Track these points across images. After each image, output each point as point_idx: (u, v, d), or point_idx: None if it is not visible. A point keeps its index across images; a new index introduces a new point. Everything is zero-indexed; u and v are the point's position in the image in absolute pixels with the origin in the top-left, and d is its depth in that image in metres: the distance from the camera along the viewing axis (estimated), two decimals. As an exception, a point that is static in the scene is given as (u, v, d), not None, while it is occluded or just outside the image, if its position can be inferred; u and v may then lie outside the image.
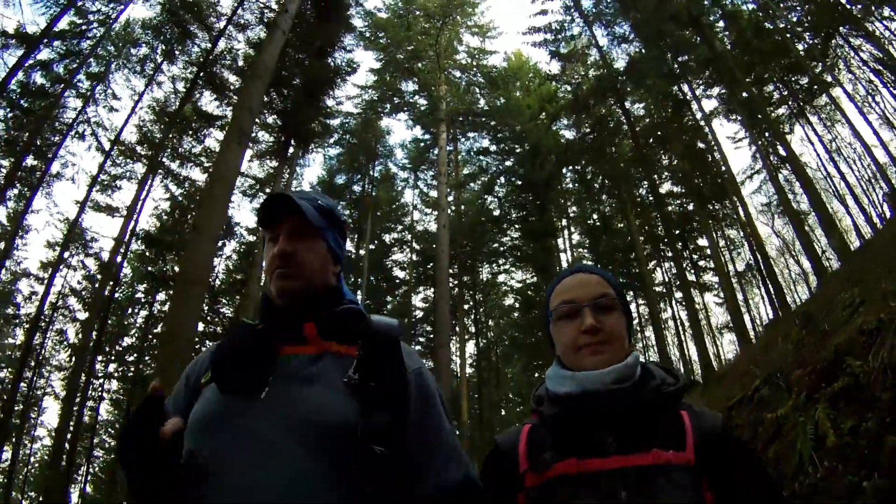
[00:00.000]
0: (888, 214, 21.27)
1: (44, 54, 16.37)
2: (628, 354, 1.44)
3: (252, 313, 1.50)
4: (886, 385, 4.16)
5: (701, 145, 21.54)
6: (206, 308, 20.10)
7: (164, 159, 19.55)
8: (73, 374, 18.27)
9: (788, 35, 19.28)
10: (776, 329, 14.28)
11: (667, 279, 27.90)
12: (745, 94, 19.88)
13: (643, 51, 19.19)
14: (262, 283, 15.58)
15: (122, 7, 17.40)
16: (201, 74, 16.38)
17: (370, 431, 1.23)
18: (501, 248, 28.83)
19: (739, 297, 25.40)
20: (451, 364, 21.00)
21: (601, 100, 20.66)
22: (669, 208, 25.38)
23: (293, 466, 1.16)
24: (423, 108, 24.48)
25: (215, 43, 16.00)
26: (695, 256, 27.26)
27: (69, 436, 16.97)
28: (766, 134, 22.41)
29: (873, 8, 17.99)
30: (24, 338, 20.42)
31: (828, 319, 7.20)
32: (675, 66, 18.78)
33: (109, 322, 20.73)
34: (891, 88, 20.25)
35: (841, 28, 19.45)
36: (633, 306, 13.42)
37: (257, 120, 17.10)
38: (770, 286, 20.35)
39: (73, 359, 21.18)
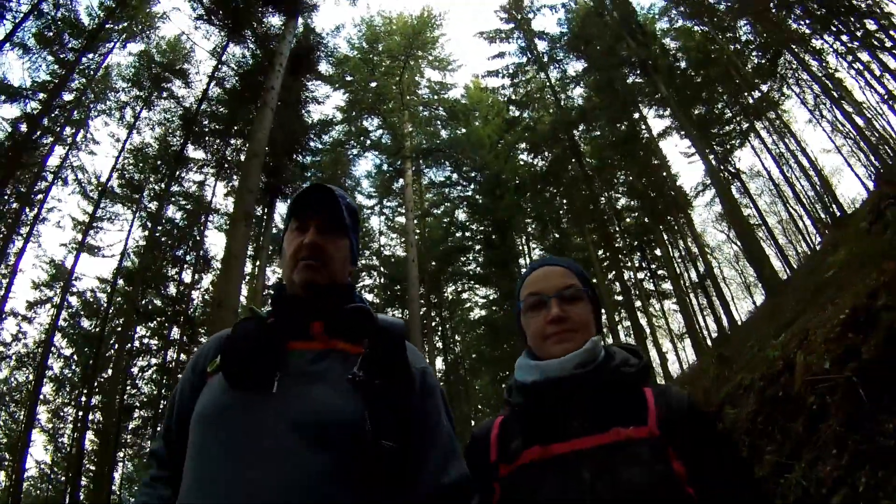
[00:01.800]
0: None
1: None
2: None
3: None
4: (742, 435, 4.95)
5: (655, 161, 22.79)
6: (186, 338, 21.18)
7: (144, 200, 20.60)
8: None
9: (736, 57, 20.85)
10: (719, 348, 15.56)
11: (625, 288, 29.21)
12: (696, 111, 21.51)
13: (594, 97, 20.69)
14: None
15: (102, 59, 18.45)
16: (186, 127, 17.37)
17: (378, 428, 1.25)
18: (466, 269, 29.72)
19: (704, 301, 26.88)
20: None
21: (556, 141, 21.99)
22: (627, 220, 27.03)
23: (299, 463, 1.18)
24: (388, 145, 25.56)
25: (200, 104, 17.07)
26: (653, 266, 28.69)
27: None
28: (717, 149, 24.12)
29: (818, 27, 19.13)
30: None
31: (737, 361, 8.41)
32: (626, 101, 20.12)
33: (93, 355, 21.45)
34: (835, 103, 21.30)
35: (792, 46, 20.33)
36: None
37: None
38: (717, 301, 22.12)
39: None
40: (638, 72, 20.15)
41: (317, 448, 1.19)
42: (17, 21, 14.55)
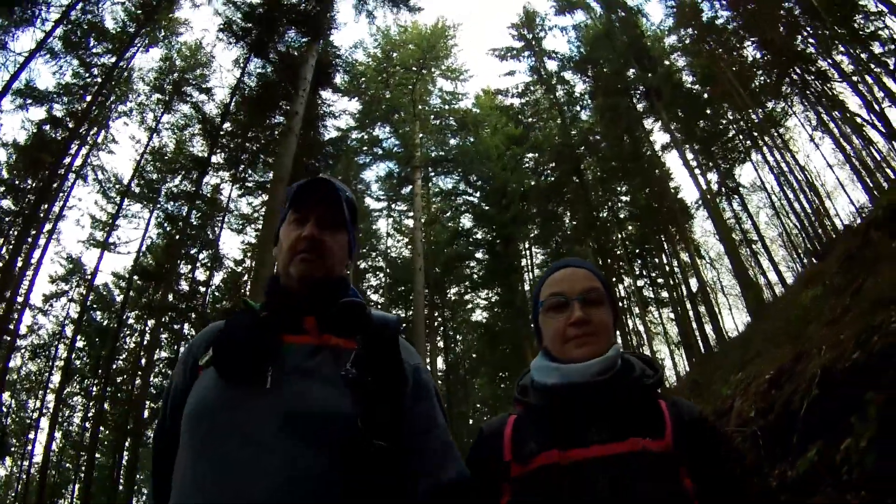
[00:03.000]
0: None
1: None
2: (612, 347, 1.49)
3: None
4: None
5: (657, 172, 23.29)
6: (193, 332, 21.82)
7: (161, 200, 21.24)
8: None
9: (741, 75, 21.30)
10: (700, 367, 16.03)
11: (624, 295, 29.67)
12: (701, 124, 21.94)
13: (597, 124, 21.27)
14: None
15: (127, 63, 19.00)
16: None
17: (370, 426, 1.23)
18: (469, 273, 30.31)
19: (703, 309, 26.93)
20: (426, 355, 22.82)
21: (560, 162, 22.64)
22: (629, 228, 27.46)
23: (291, 459, 1.16)
24: (399, 153, 26.14)
25: (224, 117, 17.64)
26: (653, 274, 28.85)
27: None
28: (720, 163, 24.63)
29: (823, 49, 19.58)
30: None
31: (706, 388, 9.07)
32: (630, 126, 20.63)
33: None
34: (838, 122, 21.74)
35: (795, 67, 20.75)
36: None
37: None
38: (707, 315, 22.75)
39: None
40: (642, 97, 20.63)
41: (309, 445, 1.18)
42: (48, 30, 15.05)
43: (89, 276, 21.80)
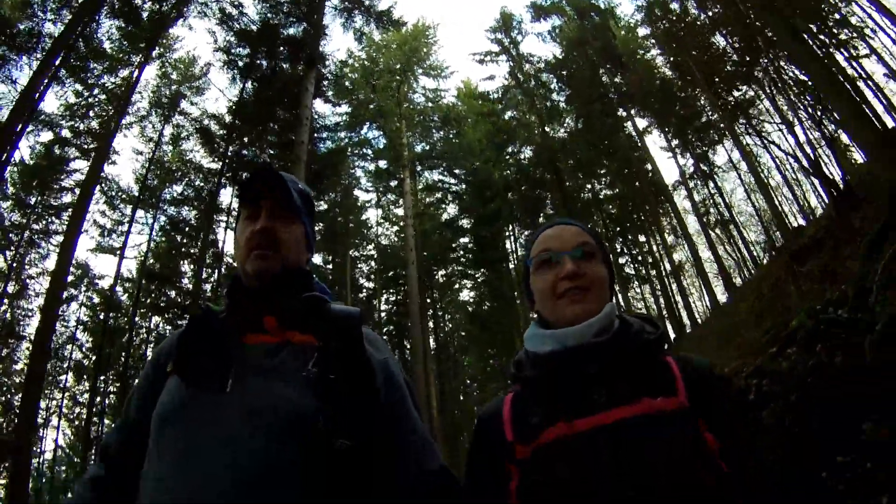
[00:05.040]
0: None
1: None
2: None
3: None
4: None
5: (636, 155, 24.42)
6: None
7: (163, 205, 22.40)
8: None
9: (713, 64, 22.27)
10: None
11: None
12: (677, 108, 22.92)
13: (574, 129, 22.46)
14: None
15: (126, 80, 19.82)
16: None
17: (333, 425, 1.21)
18: (457, 257, 31.77)
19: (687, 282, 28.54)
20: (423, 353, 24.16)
21: (538, 165, 23.91)
22: (610, 208, 28.81)
23: (254, 461, 1.14)
24: (387, 153, 27.27)
25: (229, 143, 18.64)
26: (634, 251, 30.28)
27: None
28: (697, 144, 25.75)
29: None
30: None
31: None
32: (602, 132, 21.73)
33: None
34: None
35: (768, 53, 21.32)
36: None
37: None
38: (678, 299, 24.39)
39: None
40: (616, 98, 21.74)
41: (272, 445, 1.16)
42: (55, 65, 15.83)
43: (98, 280, 22.92)
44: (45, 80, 15.83)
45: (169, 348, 1.45)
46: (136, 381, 1.48)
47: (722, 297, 22.19)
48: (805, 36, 13.45)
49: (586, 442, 1.20)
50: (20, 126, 13.94)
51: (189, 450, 1.17)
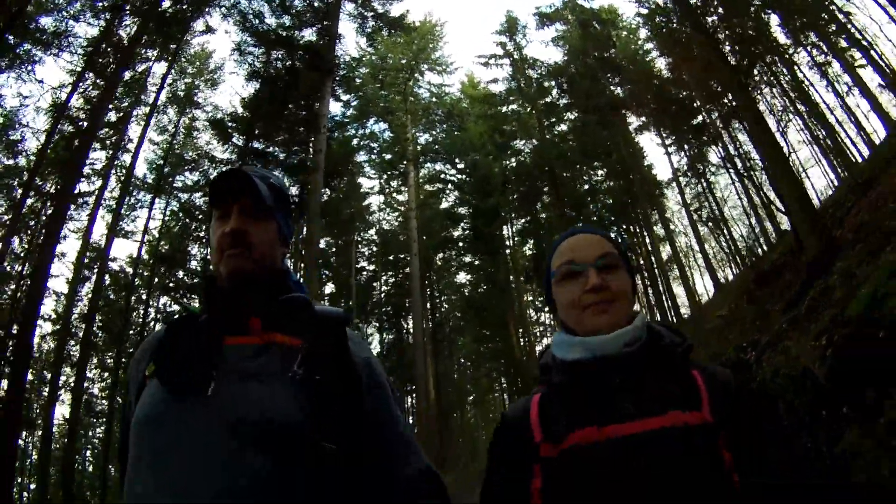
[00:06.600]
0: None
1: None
2: (634, 316, 1.40)
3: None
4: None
5: (631, 151, 25.03)
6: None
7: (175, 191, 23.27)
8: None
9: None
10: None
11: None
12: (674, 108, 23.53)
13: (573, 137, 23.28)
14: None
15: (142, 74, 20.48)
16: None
17: (318, 428, 1.20)
18: (455, 243, 32.80)
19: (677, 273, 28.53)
20: (423, 335, 25.61)
21: (536, 171, 24.80)
22: (604, 199, 29.35)
23: (235, 467, 1.12)
24: (393, 147, 28.21)
25: (249, 141, 19.37)
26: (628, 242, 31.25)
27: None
28: (693, 142, 26.23)
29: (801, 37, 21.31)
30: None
31: None
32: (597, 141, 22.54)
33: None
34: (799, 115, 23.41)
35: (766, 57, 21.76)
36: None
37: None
38: (667, 297, 25.35)
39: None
40: (615, 103, 22.53)
41: (255, 450, 1.14)
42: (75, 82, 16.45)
43: (109, 262, 23.72)
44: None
45: (145, 353, 1.42)
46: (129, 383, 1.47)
47: (710, 292, 22.97)
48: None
49: (617, 449, 1.20)
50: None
51: (165, 462, 1.14)
